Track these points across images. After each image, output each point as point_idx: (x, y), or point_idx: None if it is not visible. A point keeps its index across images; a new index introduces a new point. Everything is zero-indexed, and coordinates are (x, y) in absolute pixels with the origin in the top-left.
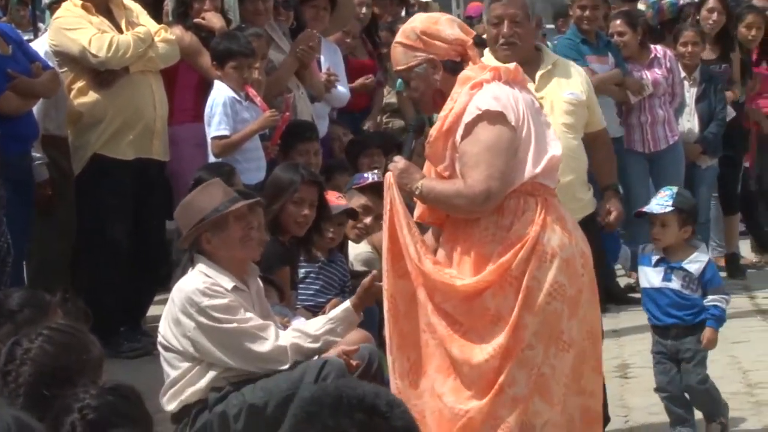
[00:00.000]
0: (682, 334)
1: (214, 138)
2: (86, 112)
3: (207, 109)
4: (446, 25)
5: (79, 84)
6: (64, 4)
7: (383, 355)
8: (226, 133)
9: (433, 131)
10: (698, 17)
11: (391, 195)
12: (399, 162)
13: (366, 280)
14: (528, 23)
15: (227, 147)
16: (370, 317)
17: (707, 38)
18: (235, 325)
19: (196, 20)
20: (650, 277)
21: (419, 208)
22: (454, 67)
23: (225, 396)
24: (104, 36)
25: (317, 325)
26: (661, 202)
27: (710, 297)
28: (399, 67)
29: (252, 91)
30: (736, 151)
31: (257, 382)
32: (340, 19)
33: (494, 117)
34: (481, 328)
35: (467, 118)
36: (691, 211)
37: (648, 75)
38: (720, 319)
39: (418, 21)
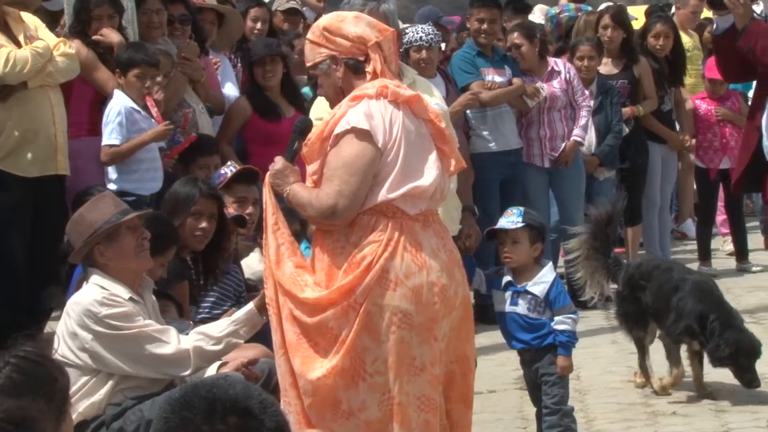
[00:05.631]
0: (534, 359)
1: (104, 146)
2: None
3: (104, 118)
4: (351, 23)
5: None
6: None
7: None
8: (116, 142)
9: (312, 134)
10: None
11: (265, 194)
12: (277, 163)
13: None
14: None
15: (116, 155)
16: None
17: (610, 54)
18: (135, 330)
19: (94, 37)
20: (500, 301)
21: None
22: (356, 66)
23: (123, 412)
24: (1, 51)
25: (220, 327)
26: (511, 219)
27: (556, 319)
28: (308, 64)
29: (150, 101)
30: (634, 164)
31: (155, 398)
32: (228, 32)
33: (361, 134)
34: (325, 344)
35: (337, 129)
36: (541, 228)
37: (545, 87)
38: (568, 345)
39: (325, 18)
